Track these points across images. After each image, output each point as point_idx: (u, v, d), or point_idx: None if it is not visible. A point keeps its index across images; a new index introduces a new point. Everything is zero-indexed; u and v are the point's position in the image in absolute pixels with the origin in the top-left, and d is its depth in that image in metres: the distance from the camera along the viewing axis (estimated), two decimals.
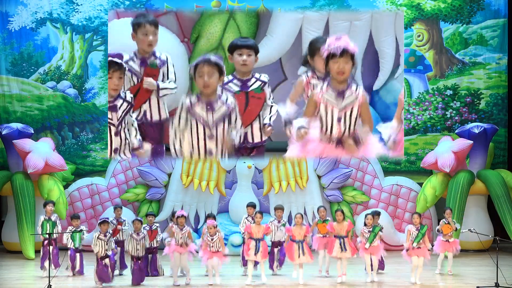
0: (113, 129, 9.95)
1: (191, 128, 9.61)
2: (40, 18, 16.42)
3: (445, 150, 14.98)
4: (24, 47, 16.42)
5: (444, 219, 12.61)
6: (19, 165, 15.12)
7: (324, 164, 15.35)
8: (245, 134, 10.19)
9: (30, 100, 16.40)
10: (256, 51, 10.15)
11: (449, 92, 16.47)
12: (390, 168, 16.38)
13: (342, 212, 12.00)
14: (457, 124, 16.35)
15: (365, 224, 12.00)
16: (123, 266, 12.55)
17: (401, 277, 12.06)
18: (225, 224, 14.88)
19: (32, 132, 15.39)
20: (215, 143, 9.66)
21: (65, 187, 15.45)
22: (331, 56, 8.91)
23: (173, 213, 12.64)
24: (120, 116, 9.92)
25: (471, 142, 14.97)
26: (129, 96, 9.98)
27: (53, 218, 12.54)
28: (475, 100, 16.49)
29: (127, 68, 10.01)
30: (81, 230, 12.29)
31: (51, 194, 14.59)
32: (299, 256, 11.62)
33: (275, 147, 11.19)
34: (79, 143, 16.42)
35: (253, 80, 10.22)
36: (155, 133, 10.43)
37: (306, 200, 15.37)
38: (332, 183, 15.37)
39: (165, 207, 15.31)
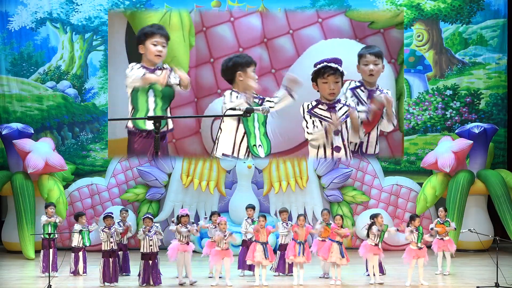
0: None
1: None
2: (40, 18, 16.41)
3: (445, 150, 14.98)
4: (24, 47, 16.41)
5: (439, 219, 12.63)
6: (19, 165, 15.11)
7: (324, 164, 15.33)
8: None
9: (30, 100, 16.39)
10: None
11: (449, 92, 16.47)
12: (390, 168, 16.38)
13: (342, 217, 11.97)
14: (457, 124, 16.35)
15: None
16: (127, 270, 12.45)
17: (400, 278, 12.06)
18: None
19: (32, 132, 15.37)
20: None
21: (65, 187, 15.44)
22: None
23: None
24: None
25: (471, 142, 14.96)
26: None
27: (54, 219, 12.47)
28: (475, 100, 16.49)
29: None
30: (88, 229, 12.36)
31: (51, 194, 14.59)
32: (298, 255, 11.61)
33: None
34: (79, 143, 16.41)
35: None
36: None
37: (306, 200, 15.35)
38: (332, 183, 15.36)
39: (165, 207, 15.30)
